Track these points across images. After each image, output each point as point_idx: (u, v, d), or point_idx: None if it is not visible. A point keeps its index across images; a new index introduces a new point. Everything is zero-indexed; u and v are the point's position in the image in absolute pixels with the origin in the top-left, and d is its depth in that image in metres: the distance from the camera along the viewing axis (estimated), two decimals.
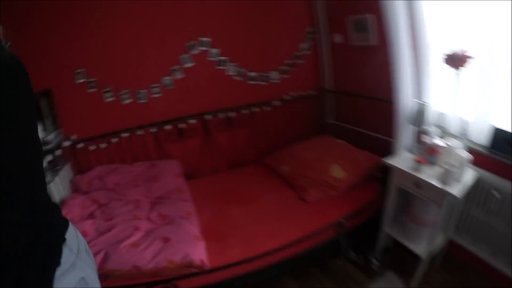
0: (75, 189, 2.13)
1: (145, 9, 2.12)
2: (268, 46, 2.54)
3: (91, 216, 1.86)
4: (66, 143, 2.16)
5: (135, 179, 2.14)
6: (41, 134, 2.15)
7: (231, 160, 2.54)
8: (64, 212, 1.81)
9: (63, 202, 1.92)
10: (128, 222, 1.73)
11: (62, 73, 2.08)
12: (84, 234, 1.58)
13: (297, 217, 1.90)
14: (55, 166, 2.05)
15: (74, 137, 2.20)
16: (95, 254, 1.51)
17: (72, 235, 0.89)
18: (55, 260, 0.78)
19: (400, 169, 1.74)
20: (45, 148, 1.99)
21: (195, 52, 2.31)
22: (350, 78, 2.58)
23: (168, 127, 2.34)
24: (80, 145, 2.21)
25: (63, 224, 0.88)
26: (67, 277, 0.79)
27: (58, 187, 2.01)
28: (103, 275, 1.46)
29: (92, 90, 2.16)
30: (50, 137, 2.12)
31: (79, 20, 2.01)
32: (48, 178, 1.98)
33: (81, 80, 2.13)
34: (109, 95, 2.20)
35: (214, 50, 2.36)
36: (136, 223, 1.71)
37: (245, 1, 2.37)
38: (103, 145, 2.25)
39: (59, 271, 0.76)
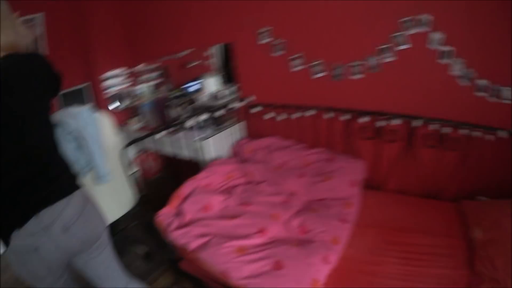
0: (236, 153, 1.92)
1: None
2: None
3: (228, 191, 1.62)
4: (241, 103, 1.97)
5: (303, 167, 1.72)
6: (218, 86, 2.11)
7: (426, 185, 1.82)
8: (204, 174, 1.67)
9: (212, 163, 1.75)
10: (258, 218, 1.39)
11: (244, 29, 1.89)
12: (208, 207, 1.50)
13: None
14: (222, 122, 1.93)
15: (252, 98, 1.98)
16: (200, 235, 1.33)
17: (54, 211, 1.05)
18: (20, 217, 1.01)
19: None
20: (219, 101, 1.98)
21: (411, 31, 1.69)
22: None
23: (364, 119, 1.75)
24: (256, 109, 1.96)
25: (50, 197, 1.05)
26: (20, 240, 1.02)
27: (220, 145, 1.91)
28: (188, 258, 1.33)
29: (277, 54, 1.82)
30: (226, 91, 2.00)
31: None
32: (211, 132, 1.90)
33: (266, 40, 1.81)
34: (297, 62, 1.79)
35: (436, 35, 1.60)
36: (266, 225, 1.34)
37: None
38: (281, 117, 1.90)
39: (17, 232, 0.99)
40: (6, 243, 1.10)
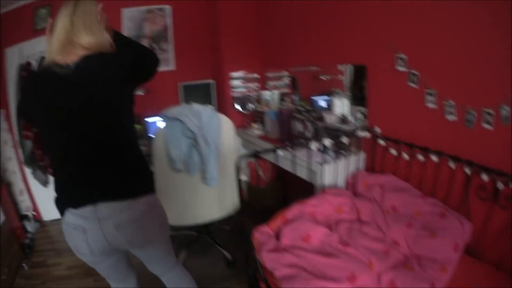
0: (350, 184, 1.84)
1: None
2: None
3: (332, 225, 1.56)
4: (367, 133, 1.87)
5: (413, 216, 1.57)
6: (347, 108, 2.04)
7: None
8: (314, 201, 1.64)
9: (324, 191, 1.70)
10: (353, 263, 1.31)
11: (380, 52, 1.77)
12: (307, 238, 1.45)
13: None
14: (344, 149, 1.88)
15: (377, 129, 1.85)
16: (290, 264, 1.30)
17: (113, 208, 1.10)
18: (78, 200, 1.09)
19: None
20: (346, 126, 1.92)
21: None
22: None
23: (484, 177, 1.65)
24: (380, 142, 1.84)
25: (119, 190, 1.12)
26: (72, 217, 1.10)
27: (338, 172, 1.85)
28: (271, 283, 1.32)
29: (412, 85, 1.66)
30: (354, 116, 1.95)
31: None
32: (331, 156, 1.86)
33: (401, 68, 1.69)
34: (429, 99, 1.61)
35: None
36: (358, 272, 1.26)
37: None
38: (403, 155, 1.75)
39: (71, 210, 1.09)
40: (61, 213, 1.16)
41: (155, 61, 1.25)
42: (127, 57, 1.12)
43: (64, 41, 1.05)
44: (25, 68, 2.86)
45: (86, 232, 1.12)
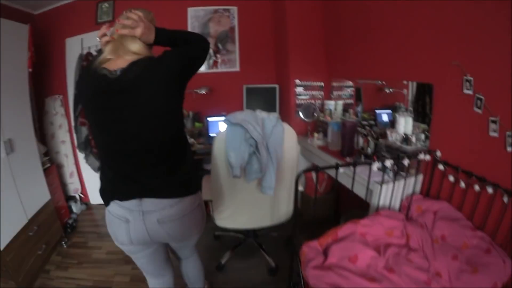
0: (405, 207, 1.84)
1: None
2: None
3: (381, 249, 1.56)
4: (428, 156, 1.81)
5: (460, 249, 1.54)
6: (410, 127, 1.99)
7: None
8: (366, 222, 1.65)
9: (378, 213, 1.72)
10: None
11: (448, 73, 1.70)
12: (355, 259, 1.47)
13: None
14: (404, 170, 1.85)
15: (438, 153, 1.81)
16: (332, 284, 1.32)
17: (158, 204, 1.19)
18: (125, 194, 1.19)
19: None
20: (408, 147, 1.89)
21: None
22: None
23: None
24: (439, 166, 1.78)
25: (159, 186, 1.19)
26: (116, 208, 1.21)
27: (394, 193, 1.82)
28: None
29: (477, 110, 1.58)
30: (416, 137, 1.91)
31: None
32: (390, 177, 1.85)
33: (468, 92, 1.61)
34: (494, 127, 1.52)
35: None
36: None
37: None
38: (462, 184, 1.68)
39: (117, 201, 1.20)
40: (106, 203, 1.24)
41: (206, 49, 1.24)
42: (175, 59, 1.13)
43: (117, 47, 1.13)
44: (86, 58, 3.03)
45: (129, 223, 1.19)
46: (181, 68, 1.12)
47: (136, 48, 1.13)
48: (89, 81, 1.13)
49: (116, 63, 1.10)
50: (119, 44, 1.13)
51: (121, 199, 1.18)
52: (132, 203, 1.17)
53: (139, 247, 1.30)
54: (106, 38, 1.17)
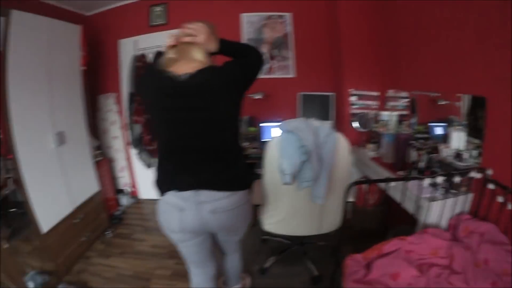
0: (452, 226, 1.81)
1: None
2: None
3: (424, 268, 1.54)
4: (480, 174, 1.77)
5: (500, 275, 1.49)
6: (463, 143, 1.94)
7: None
8: (413, 239, 1.64)
9: (425, 231, 1.72)
10: None
11: (501, 88, 1.64)
12: (396, 276, 1.49)
13: None
14: (455, 188, 1.79)
15: (488, 172, 1.75)
16: None
17: (213, 195, 1.29)
18: (183, 185, 1.29)
19: None
20: (461, 163, 1.84)
21: None
22: None
23: None
24: (490, 186, 1.73)
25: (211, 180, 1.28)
26: (173, 197, 1.31)
27: (443, 211, 1.79)
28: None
29: None
30: (469, 154, 1.86)
31: None
32: (441, 194, 1.81)
33: None
34: None
35: None
36: None
37: None
38: (509, 206, 1.62)
39: (174, 191, 1.30)
40: (161, 193, 1.35)
41: (262, 62, 1.34)
42: (235, 69, 1.25)
43: (181, 52, 1.25)
44: (140, 59, 3.23)
45: (183, 211, 1.30)
46: (242, 78, 1.25)
47: (199, 56, 1.25)
48: (154, 82, 1.25)
49: (182, 68, 1.21)
50: (183, 50, 1.25)
51: (179, 189, 1.28)
52: (189, 194, 1.28)
53: (188, 235, 1.40)
54: (171, 43, 1.28)
